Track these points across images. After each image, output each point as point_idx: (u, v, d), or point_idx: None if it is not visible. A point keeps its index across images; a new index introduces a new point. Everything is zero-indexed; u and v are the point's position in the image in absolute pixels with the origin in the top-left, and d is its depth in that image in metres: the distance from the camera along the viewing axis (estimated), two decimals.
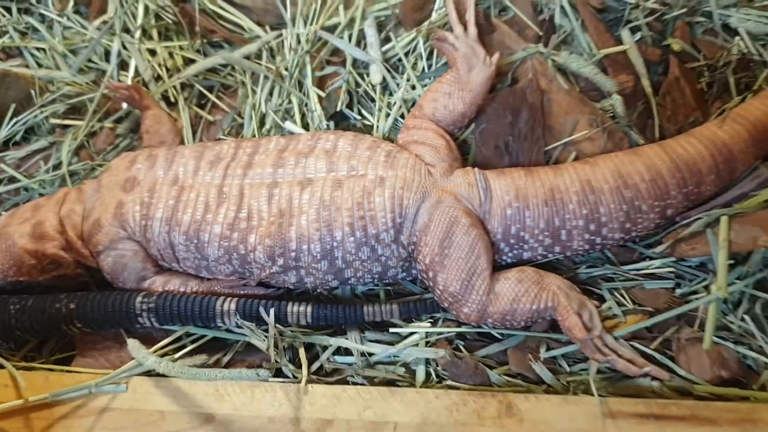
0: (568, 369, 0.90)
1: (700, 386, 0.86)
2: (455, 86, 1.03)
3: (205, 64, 1.21)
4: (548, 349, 0.91)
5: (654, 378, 0.86)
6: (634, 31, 1.11)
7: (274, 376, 0.90)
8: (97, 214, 0.96)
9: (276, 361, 0.87)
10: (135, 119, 1.20)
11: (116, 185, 0.97)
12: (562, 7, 1.12)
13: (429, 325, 0.94)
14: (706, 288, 0.92)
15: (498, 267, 0.93)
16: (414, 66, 1.16)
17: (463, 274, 0.89)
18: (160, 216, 0.93)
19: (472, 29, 1.08)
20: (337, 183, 0.91)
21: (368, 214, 0.89)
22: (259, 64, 1.20)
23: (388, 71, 1.15)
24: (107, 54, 1.27)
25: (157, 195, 0.94)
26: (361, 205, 0.89)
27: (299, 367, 0.89)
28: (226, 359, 0.93)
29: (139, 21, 1.25)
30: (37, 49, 1.30)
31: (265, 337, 0.90)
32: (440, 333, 0.93)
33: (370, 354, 0.92)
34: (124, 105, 1.21)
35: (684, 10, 1.12)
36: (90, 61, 1.26)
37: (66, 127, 1.22)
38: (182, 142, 1.14)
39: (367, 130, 1.12)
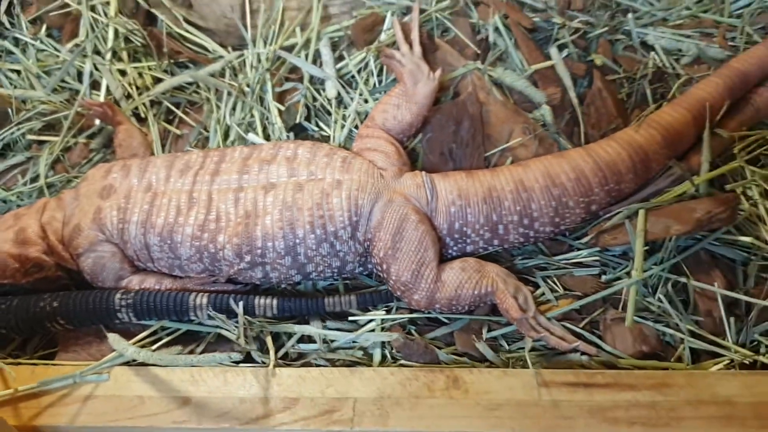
0: (507, 347, 0.99)
1: (624, 360, 0.96)
2: (403, 99, 1.13)
3: (173, 82, 1.28)
4: (489, 330, 1.00)
5: (583, 353, 0.96)
6: (561, 48, 1.22)
7: (244, 362, 0.97)
8: (77, 220, 1.02)
9: (246, 347, 0.95)
10: (107, 134, 1.27)
11: (94, 193, 1.04)
12: (496, 28, 1.23)
13: (384, 313, 1.02)
14: (628, 274, 1.03)
15: (444, 260, 1.03)
16: (366, 81, 1.25)
17: (413, 264, 0.98)
18: (135, 219, 1.00)
19: (417, 48, 1.18)
20: (298, 186, 1.00)
21: (327, 214, 0.98)
22: (223, 81, 1.28)
23: (343, 86, 1.24)
24: (80, 74, 1.33)
25: (132, 201, 1.01)
26: (320, 206, 0.98)
27: (267, 354, 0.97)
28: (199, 350, 1.01)
29: (110, 44, 1.32)
30: (11, 70, 1.37)
31: (236, 327, 0.98)
32: (394, 319, 1.01)
33: (332, 340, 1.00)
34: (97, 121, 1.28)
35: (606, 28, 1.24)
36: (63, 81, 1.32)
37: (42, 142, 1.28)
38: (152, 155, 1.21)
39: (325, 140, 1.21)
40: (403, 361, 0.97)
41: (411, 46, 1.19)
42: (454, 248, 1.04)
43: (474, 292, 0.98)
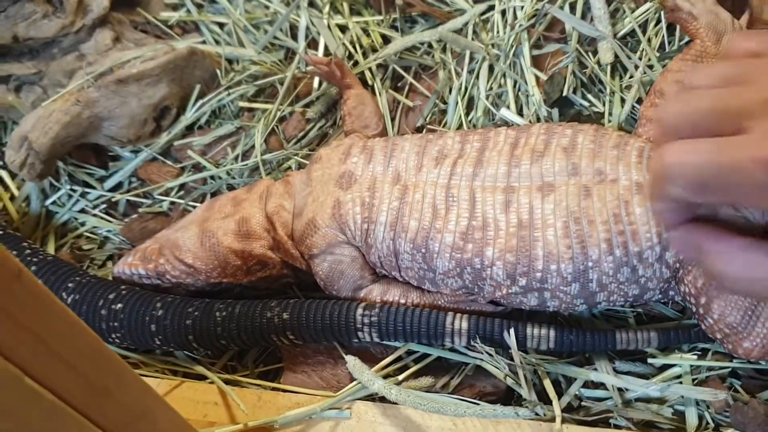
0: None
1: None
2: (704, 62, 0.91)
3: (406, 42, 1.12)
4: None
5: None
6: None
7: (509, 403, 0.82)
8: (312, 213, 0.90)
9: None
10: (327, 101, 1.14)
11: (330, 180, 0.91)
12: None
13: (695, 357, 0.83)
14: None
15: None
16: (649, 41, 1.03)
17: (747, 301, 0.77)
18: (384, 220, 0.86)
19: None
20: (584, 190, 0.81)
21: (629, 229, 0.79)
22: (475, 42, 1.10)
23: (621, 48, 1.03)
24: (293, 30, 1.21)
25: (378, 195, 0.87)
26: (618, 218, 0.79)
27: (541, 399, 0.81)
28: (454, 382, 0.86)
29: None
30: (215, 23, 1.26)
31: (507, 364, 0.82)
32: (710, 368, 0.82)
33: (626, 389, 0.83)
34: (316, 84, 1.15)
35: None
36: (275, 38, 1.20)
37: (251, 110, 1.17)
38: (384, 128, 1.07)
39: (597, 119, 1.01)
40: (730, 431, 0.78)
41: None
42: None
43: None
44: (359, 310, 0.86)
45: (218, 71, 1.18)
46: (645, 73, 1.01)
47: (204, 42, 1.25)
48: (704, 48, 0.91)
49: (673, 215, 0.63)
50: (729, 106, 0.56)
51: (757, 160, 0.54)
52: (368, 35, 1.17)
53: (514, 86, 1.07)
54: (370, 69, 1.14)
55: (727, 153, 0.55)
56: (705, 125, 0.57)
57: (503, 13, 1.10)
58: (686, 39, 1.02)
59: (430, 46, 1.15)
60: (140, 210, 1.13)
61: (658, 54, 1.02)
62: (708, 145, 0.57)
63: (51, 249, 1.13)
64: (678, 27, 1.02)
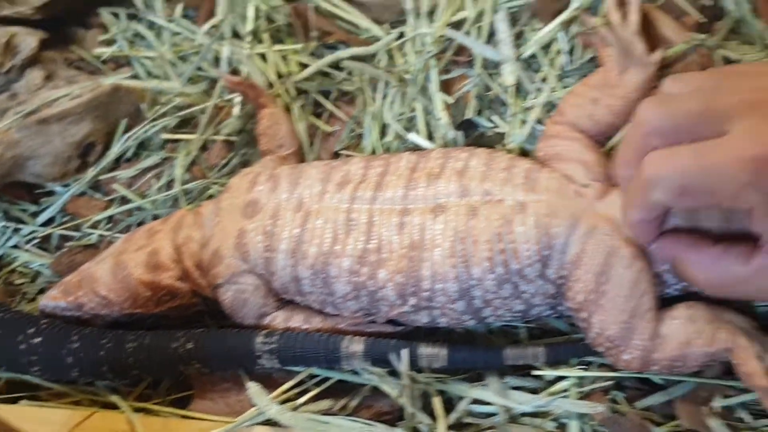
0: (749, 422, 0.80)
1: None
2: (603, 91, 0.94)
3: (312, 69, 1.16)
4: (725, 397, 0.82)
5: None
6: None
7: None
8: (217, 243, 0.94)
9: (411, 414, 0.83)
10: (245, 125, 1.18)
11: (236, 209, 0.95)
12: None
13: (581, 370, 0.86)
14: None
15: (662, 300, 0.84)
16: (552, 62, 1.07)
17: (624, 315, 0.81)
18: (284, 248, 0.90)
19: (634, 17, 0.96)
20: (471, 210, 0.85)
21: (509, 247, 0.83)
22: (378, 67, 1.14)
23: (522, 71, 1.07)
24: (217, 60, 1.25)
25: (280, 223, 0.91)
26: (501, 237, 0.83)
27: (432, 416, 0.85)
28: (353, 404, 0.90)
29: (249, 24, 1.23)
30: (147, 57, 1.30)
31: (397, 383, 0.86)
32: (594, 379, 0.85)
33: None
34: (236, 111, 1.19)
35: None
36: (200, 69, 1.25)
37: (175, 141, 1.21)
38: (300, 148, 1.11)
39: (499, 139, 1.05)
40: None
41: (624, 15, 0.97)
42: (677, 286, 0.84)
43: (706, 350, 0.79)
44: (259, 338, 0.90)
45: (143, 106, 1.22)
46: (544, 92, 1.04)
47: (136, 75, 1.29)
48: (606, 78, 0.94)
49: (649, 227, 0.69)
50: (710, 106, 0.59)
51: (739, 160, 0.56)
52: (287, 63, 1.21)
53: (425, 111, 1.10)
54: (287, 92, 1.17)
55: (710, 155, 0.58)
56: (687, 127, 0.61)
57: (414, 39, 1.14)
58: (587, 57, 1.06)
59: (350, 72, 1.19)
60: (68, 244, 1.17)
61: (558, 74, 1.05)
62: (690, 150, 0.60)
63: None
64: (581, 49, 1.06)
